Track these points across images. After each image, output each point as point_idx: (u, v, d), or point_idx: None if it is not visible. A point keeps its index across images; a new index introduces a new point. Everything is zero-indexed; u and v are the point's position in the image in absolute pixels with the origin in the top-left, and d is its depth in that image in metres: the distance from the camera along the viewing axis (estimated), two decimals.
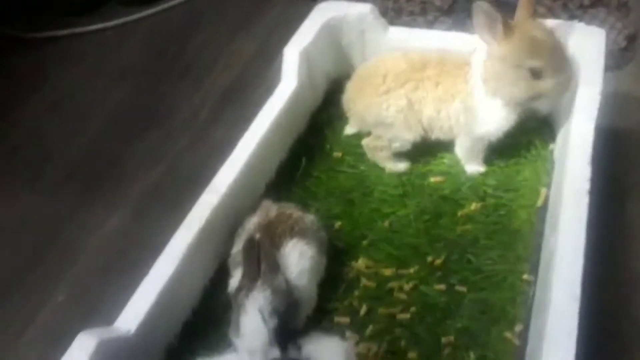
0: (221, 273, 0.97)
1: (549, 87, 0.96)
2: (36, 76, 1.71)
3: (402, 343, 0.88)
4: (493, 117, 1.03)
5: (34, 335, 1.11)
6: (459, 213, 1.04)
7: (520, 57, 0.95)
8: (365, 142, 1.14)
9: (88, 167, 1.42)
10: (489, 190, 1.07)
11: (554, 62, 0.95)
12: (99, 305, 1.13)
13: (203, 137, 1.47)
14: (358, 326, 0.90)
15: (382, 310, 0.92)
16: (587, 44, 1.04)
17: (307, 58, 1.16)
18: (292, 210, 0.97)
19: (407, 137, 1.08)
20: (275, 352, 0.72)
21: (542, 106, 0.99)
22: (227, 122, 1.49)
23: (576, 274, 0.75)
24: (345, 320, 0.92)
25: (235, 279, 0.90)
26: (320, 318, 0.92)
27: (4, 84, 1.68)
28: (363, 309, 0.93)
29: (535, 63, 0.94)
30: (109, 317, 0.83)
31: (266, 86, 1.56)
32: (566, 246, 0.78)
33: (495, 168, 1.10)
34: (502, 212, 1.03)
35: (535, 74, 0.95)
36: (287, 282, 0.85)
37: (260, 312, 0.75)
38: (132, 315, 0.79)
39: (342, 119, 1.25)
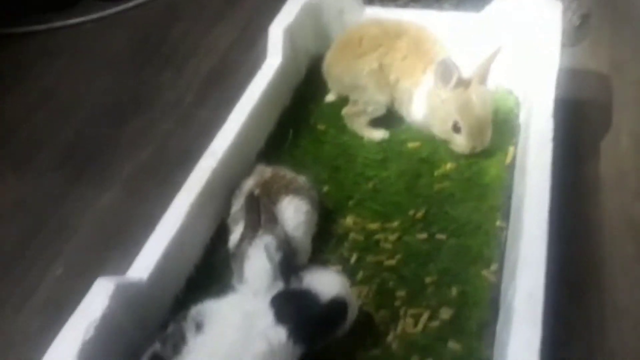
0: (220, 233, 1.04)
1: (461, 142, 1.12)
2: (17, 69, 1.74)
3: (390, 284, 0.96)
4: (420, 116, 1.17)
5: (34, 308, 1.15)
6: (436, 173, 1.14)
7: (452, 108, 1.09)
8: (344, 110, 1.23)
9: (78, 151, 1.46)
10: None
11: (474, 128, 1.11)
12: (95, 276, 1.18)
13: (189, 119, 1.53)
14: (349, 273, 0.98)
15: (370, 258, 1.00)
16: (544, 14, 1.14)
17: (290, 36, 1.24)
18: (285, 171, 1.05)
19: (379, 98, 1.19)
20: (280, 284, 0.79)
21: (451, 147, 1.15)
22: (211, 105, 1.56)
23: (544, 208, 0.85)
24: (337, 268, 0.99)
25: (235, 235, 0.97)
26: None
27: None
28: (353, 258, 1.01)
29: (459, 119, 1.10)
30: None
31: (247, 70, 1.63)
32: (534, 185, 0.88)
33: None
34: (474, 170, 1.13)
35: (455, 128, 1.11)
36: (285, 232, 0.92)
37: (267, 248, 0.82)
38: (143, 265, 0.85)
39: (324, 93, 1.34)
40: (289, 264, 0.81)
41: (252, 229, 0.90)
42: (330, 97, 1.29)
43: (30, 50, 1.82)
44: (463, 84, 1.08)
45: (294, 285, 0.80)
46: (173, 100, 1.59)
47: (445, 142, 1.17)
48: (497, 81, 1.25)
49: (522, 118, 1.20)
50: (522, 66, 1.19)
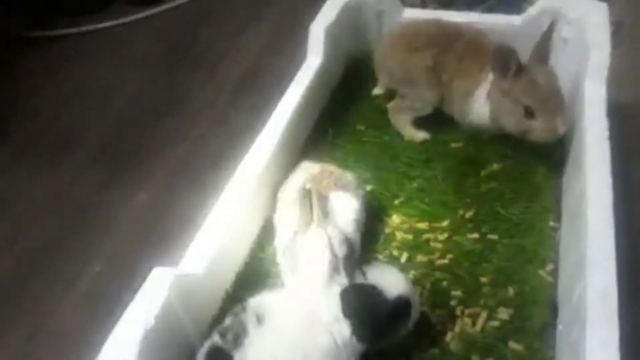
0: (265, 230, 1.02)
1: (540, 127, 1.04)
2: (48, 70, 1.75)
3: (444, 284, 0.94)
4: (485, 116, 1.11)
5: (73, 303, 1.13)
6: (482, 173, 1.12)
7: (519, 94, 1.04)
8: (390, 104, 1.22)
9: (111, 150, 1.46)
10: (509, 152, 1.14)
11: (548, 106, 1.03)
12: (135, 273, 1.15)
13: (222, 121, 1.52)
14: (397, 269, 0.95)
15: (421, 258, 0.98)
16: (591, 14, 1.13)
17: (330, 35, 1.23)
18: (332, 167, 1.03)
19: (428, 97, 1.16)
20: (343, 280, 0.77)
21: (533, 139, 1.07)
22: (244, 107, 1.56)
23: (608, 205, 0.83)
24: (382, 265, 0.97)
25: (283, 231, 0.95)
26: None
27: (17, 78, 1.71)
28: (403, 257, 0.99)
29: (530, 102, 1.03)
30: None
31: (279, 73, 1.63)
32: (596, 183, 0.86)
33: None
34: (522, 170, 1.11)
35: (529, 113, 1.04)
36: (337, 228, 0.90)
37: (330, 241, 0.80)
38: (196, 257, 0.83)
39: (361, 94, 1.32)
40: (352, 259, 0.79)
41: (305, 224, 0.88)
42: (377, 90, 1.27)
43: (61, 53, 1.82)
44: (523, 69, 1.03)
45: (359, 281, 0.77)
46: (206, 101, 1.59)
47: (488, 144, 1.15)
48: None
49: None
50: (569, 67, 1.17)
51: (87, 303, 1.12)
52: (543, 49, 1.06)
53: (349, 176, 1.03)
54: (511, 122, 1.06)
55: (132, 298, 0.76)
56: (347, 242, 0.81)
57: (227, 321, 0.76)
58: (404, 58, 1.17)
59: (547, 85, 1.04)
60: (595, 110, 1.00)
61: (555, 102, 1.04)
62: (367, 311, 0.74)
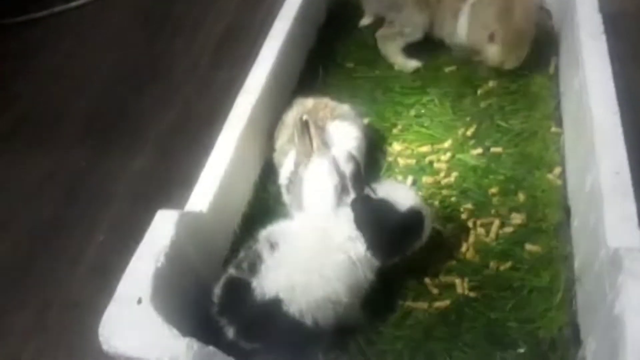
0: (266, 171, 1.00)
1: (493, 53, 1.06)
2: (24, 53, 1.70)
3: (453, 200, 0.93)
4: (464, 31, 1.11)
5: (82, 274, 1.11)
6: (479, 91, 1.10)
7: (492, 15, 1.04)
8: (379, 32, 1.19)
9: (100, 121, 1.42)
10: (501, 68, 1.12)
11: (511, 40, 1.04)
12: (140, 238, 1.14)
13: (207, 81, 1.49)
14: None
15: (426, 179, 0.97)
16: None
17: None
18: (326, 100, 1.01)
19: (417, 19, 1.14)
20: (352, 196, 0.76)
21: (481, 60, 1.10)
22: (228, 65, 1.52)
23: (610, 92, 0.81)
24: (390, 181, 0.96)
25: (285, 167, 0.93)
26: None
27: None
28: (408, 180, 0.97)
29: (497, 29, 1.04)
30: None
31: (257, 29, 1.60)
32: (595, 73, 0.85)
33: None
34: (519, 83, 1.10)
35: (491, 37, 1.05)
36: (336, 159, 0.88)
37: (335, 161, 0.78)
38: (200, 198, 0.81)
39: (347, 33, 1.29)
40: (360, 176, 0.77)
41: (306, 155, 0.86)
42: (365, 21, 1.24)
43: (35, 36, 1.77)
44: None
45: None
46: (189, 65, 1.55)
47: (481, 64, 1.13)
48: None
49: (557, 28, 1.17)
50: None
51: (95, 273, 1.11)
52: None
53: (345, 107, 1.01)
54: (473, 37, 1.08)
55: None
56: (353, 158, 0.79)
57: (241, 254, 0.75)
58: None
59: (520, 17, 1.03)
60: (587, 9, 0.98)
61: (518, 38, 1.05)
62: (380, 223, 0.73)
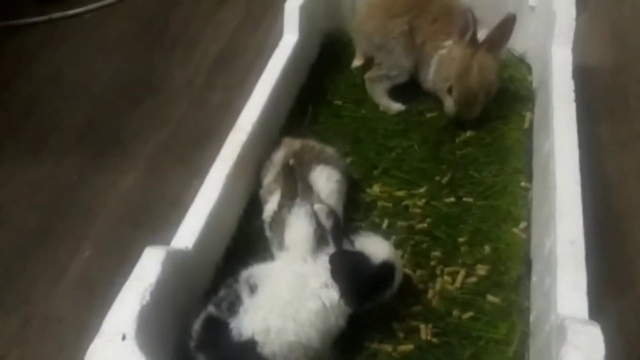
0: (252, 205, 1.05)
1: (449, 106, 1.16)
2: (20, 59, 1.73)
3: (424, 246, 0.99)
4: (432, 75, 1.20)
5: (66, 288, 1.15)
6: (457, 140, 1.17)
7: (452, 72, 1.12)
8: (367, 75, 1.26)
9: (92, 133, 1.46)
10: (481, 118, 1.19)
11: (464, 98, 1.13)
12: (127, 255, 1.16)
13: (201, 101, 1.53)
14: (382, 237, 1.00)
15: (401, 223, 1.03)
16: None
17: (305, 12, 1.25)
18: (313, 142, 1.07)
19: (404, 63, 1.21)
20: (332, 250, 0.81)
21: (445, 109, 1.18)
22: (222, 87, 1.57)
23: (575, 162, 0.88)
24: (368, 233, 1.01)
25: (270, 205, 0.99)
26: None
27: None
28: (385, 224, 1.03)
29: (453, 85, 1.13)
30: None
31: (254, 52, 1.66)
32: (563, 142, 0.91)
33: None
34: (494, 135, 1.16)
35: (449, 90, 1.14)
36: (320, 200, 0.94)
37: (316, 213, 0.84)
38: (187, 234, 0.86)
39: (338, 70, 1.35)
40: (339, 229, 0.83)
41: (290, 198, 0.91)
42: (356, 62, 1.30)
43: (32, 41, 1.80)
44: (474, 45, 1.10)
45: (347, 248, 0.81)
46: (183, 83, 1.59)
47: None
48: (508, 49, 1.28)
49: (535, 84, 1.24)
50: (537, 34, 1.21)
51: (80, 287, 1.14)
52: (498, 36, 1.11)
53: (329, 150, 1.06)
54: (437, 85, 1.17)
55: (123, 280, 0.78)
56: (333, 214, 0.85)
57: (221, 292, 0.80)
58: (381, 24, 1.20)
59: (476, 77, 1.11)
60: (561, 73, 1.05)
61: (471, 97, 1.13)
62: (355, 275, 0.78)
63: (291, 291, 0.77)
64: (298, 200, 0.90)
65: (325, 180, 0.99)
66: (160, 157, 1.38)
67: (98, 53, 1.72)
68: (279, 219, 0.92)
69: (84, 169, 1.36)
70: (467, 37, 1.08)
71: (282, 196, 0.93)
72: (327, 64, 1.36)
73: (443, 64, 1.13)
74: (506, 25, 1.10)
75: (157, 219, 1.23)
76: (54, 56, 1.73)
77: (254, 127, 1.05)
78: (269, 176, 1.03)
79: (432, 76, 1.19)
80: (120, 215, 1.26)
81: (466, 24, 1.08)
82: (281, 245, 0.90)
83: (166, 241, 0.87)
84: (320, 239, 0.83)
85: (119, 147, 1.41)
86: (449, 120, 1.19)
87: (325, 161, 1.02)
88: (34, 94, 1.59)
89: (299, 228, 0.86)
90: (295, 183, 0.92)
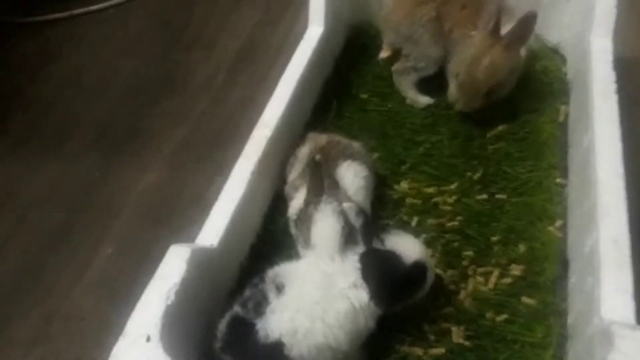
0: (277, 202, 1.03)
1: (451, 91, 1.13)
2: (42, 56, 1.73)
3: (455, 245, 0.95)
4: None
5: (88, 286, 1.14)
6: (489, 134, 1.12)
7: (464, 61, 1.08)
8: (394, 66, 1.22)
9: (112, 131, 1.45)
10: (514, 112, 1.14)
11: (465, 89, 1.09)
12: (149, 254, 1.16)
13: (222, 98, 1.52)
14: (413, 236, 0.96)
15: (431, 221, 0.99)
16: None
17: (331, 3, 1.21)
18: (339, 137, 1.03)
19: (432, 53, 1.17)
20: (362, 249, 0.78)
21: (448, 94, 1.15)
22: (243, 83, 1.55)
23: (617, 157, 0.83)
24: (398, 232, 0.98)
25: (295, 202, 0.96)
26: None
27: (11, 66, 1.69)
28: (414, 221, 1.00)
29: (460, 72, 1.09)
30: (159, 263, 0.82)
31: (275, 48, 1.63)
32: (604, 136, 0.87)
33: (517, 92, 1.17)
34: (528, 129, 1.11)
35: (457, 77, 1.10)
36: (347, 197, 0.91)
37: (347, 212, 0.80)
38: (212, 232, 0.84)
39: (363, 63, 1.32)
40: (369, 227, 0.79)
41: (316, 194, 0.88)
42: (383, 54, 1.25)
43: (54, 37, 1.80)
44: (495, 37, 1.05)
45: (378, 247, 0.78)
46: (204, 80, 1.58)
47: (496, 104, 1.15)
48: (541, 39, 1.23)
49: (570, 76, 1.19)
50: (574, 24, 1.16)
51: (101, 286, 1.14)
52: (519, 34, 1.06)
53: (356, 145, 1.03)
54: (451, 68, 1.13)
55: (145, 279, 0.76)
56: (362, 212, 0.82)
57: (247, 292, 0.77)
58: (409, 12, 1.16)
59: (485, 72, 1.06)
60: (601, 64, 1.00)
61: (472, 89, 1.08)
62: (386, 275, 0.75)
63: (319, 291, 0.74)
64: (325, 197, 0.87)
65: (352, 176, 0.96)
66: (181, 155, 1.36)
67: (118, 50, 1.71)
68: (304, 217, 0.89)
69: (104, 167, 1.35)
70: (490, 27, 1.04)
71: (308, 193, 0.90)
72: (352, 57, 1.33)
73: (463, 49, 1.10)
74: (527, 23, 1.05)
75: (179, 217, 1.21)
76: (74, 54, 1.72)
77: (278, 123, 1.02)
78: (294, 172, 1.00)
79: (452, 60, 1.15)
80: (142, 213, 1.25)
81: (490, 14, 1.04)
82: (307, 243, 0.87)
83: (188, 239, 0.85)
84: (348, 238, 0.80)
85: (139, 144, 1.40)
86: (480, 113, 1.15)
87: (352, 157, 0.99)
88: (55, 91, 1.58)
89: (325, 226, 0.83)
90: (321, 179, 0.89)
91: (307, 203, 0.90)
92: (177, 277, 0.74)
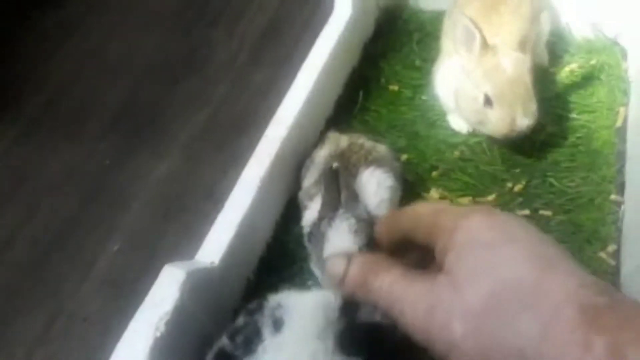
0: (290, 208, 0.93)
1: (495, 117, 0.91)
2: (61, 31, 1.65)
3: None
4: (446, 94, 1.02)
5: (93, 284, 1.08)
6: (536, 138, 0.99)
7: (480, 78, 0.91)
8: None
9: (129, 115, 1.38)
10: (564, 114, 1.01)
11: (509, 95, 0.90)
12: (156, 251, 1.11)
13: (244, 80, 1.42)
14: None
15: None
16: None
17: None
18: (362, 139, 0.92)
19: None
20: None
21: (489, 132, 0.95)
22: (266, 64, 1.45)
23: None
24: None
25: (310, 212, 0.86)
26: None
27: (29, 42, 1.62)
28: None
29: (489, 89, 0.90)
30: (167, 262, 0.74)
31: (301, 28, 1.51)
32: None
33: (568, 90, 1.04)
34: (580, 135, 0.98)
35: (487, 101, 0.91)
36: (368, 212, 0.80)
37: (352, 231, 0.70)
38: (214, 247, 0.75)
39: (394, 50, 1.19)
40: None
41: (332, 208, 0.78)
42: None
43: (74, 11, 1.72)
44: (487, 48, 0.91)
45: None
46: (226, 59, 1.48)
47: (544, 103, 1.01)
48: (597, 31, 1.09)
49: (632, 73, 1.04)
50: (634, 10, 1.01)
51: (106, 285, 1.08)
52: (521, 35, 0.92)
53: (382, 148, 0.92)
54: (469, 110, 0.95)
55: (149, 280, 0.68)
56: (369, 234, 0.71)
57: (240, 320, 0.67)
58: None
59: (512, 69, 0.90)
60: None
61: (517, 91, 0.90)
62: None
63: (322, 339, 0.63)
64: (341, 211, 0.77)
65: (375, 187, 0.86)
66: (197, 142, 1.28)
67: (139, 26, 1.62)
68: (318, 233, 0.79)
69: (118, 154, 1.28)
70: (476, 46, 0.92)
71: (323, 206, 0.80)
72: (383, 42, 1.20)
73: (462, 83, 0.98)
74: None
75: (190, 212, 1.14)
76: (95, 29, 1.64)
77: (296, 119, 0.92)
78: (309, 177, 0.90)
79: (450, 94, 1.02)
80: (152, 206, 1.17)
81: (469, 35, 0.91)
82: (320, 262, 0.77)
83: (196, 238, 0.78)
84: None
85: (155, 129, 1.32)
86: None
87: (376, 163, 0.88)
88: (73, 69, 1.51)
89: (339, 246, 0.73)
90: (338, 191, 0.79)
91: (321, 217, 0.79)
92: (169, 305, 0.66)
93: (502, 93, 0.90)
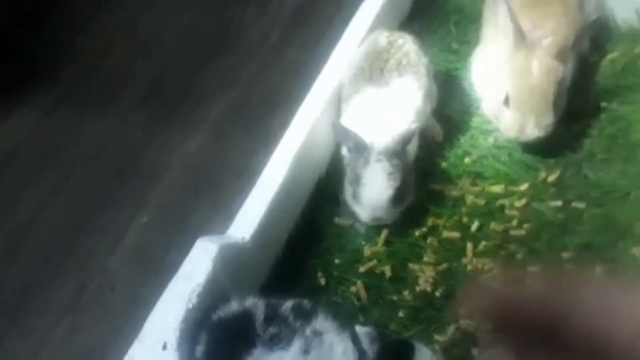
0: (322, 185, 0.94)
1: (506, 119, 0.91)
2: (96, 5, 1.66)
3: (518, 257, 0.83)
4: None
5: (121, 257, 1.10)
6: (572, 127, 0.97)
7: (505, 76, 0.91)
8: None
9: (161, 91, 1.38)
10: (603, 104, 0.99)
11: (525, 102, 0.89)
12: (185, 226, 1.12)
13: (275, 59, 1.41)
14: (469, 242, 0.85)
15: (494, 226, 0.87)
16: None
17: None
18: (403, 39, 0.96)
19: None
20: None
21: (501, 129, 0.94)
22: (298, 43, 1.44)
23: None
24: (455, 235, 0.87)
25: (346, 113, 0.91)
26: (428, 234, 0.89)
27: (64, 15, 1.63)
28: (474, 225, 0.88)
29: (510, 90, 0.89)
30: (195, 237, 0.76)
31: (335, 6, 1.50)
32: None
33: (609, 80, 1.01)
34: (619, 125, 0.96)
35: (506, 100, 0.90)
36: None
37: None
38: (246, 223, 0.76)
39: (431, 26, 1.18)
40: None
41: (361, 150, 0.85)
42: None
43: None
44: (527, 46, 0.89)
45: None
46: (258, 38, 1.47)
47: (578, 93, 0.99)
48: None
49: None
50: None
51: (135, 257, 1.09)
52: (567, 40, 0.90)
53: (415, 56, 0.94)
54: (490, 100, 0.95)
55: (178, 254, 0.70)
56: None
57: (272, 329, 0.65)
58: None
59: (537, 76, 0.88)
60: None
61: (534, 99, 0.88)
62: None
63: None
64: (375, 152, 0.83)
65: (404, 97, 0.91)
66: (228, 120, 1.28)
67: (172, 3, 1.62)
68: (352, 173, 0.85)
69: (149, 128, 1.29)
70: (511, 38, 0.92)
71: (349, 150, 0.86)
72: (418, 25, 1.18)
73: (492, 72, 0.99)
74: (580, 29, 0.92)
75: (219, 189, 1.14)
76: (127, 5, 1.64)
77: (330, 98, 0.92)
78: (348, 83, 0.94)
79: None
80: (182, 182, 1.18)
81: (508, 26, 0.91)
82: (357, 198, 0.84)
83: (224, 216, 0.80)
84: None
85: (187, 106, 1.33)
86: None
87: (411, 68, 0.92)
88: (106, 43, 1.52)
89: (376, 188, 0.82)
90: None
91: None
92: (202, 277, 0.67)
93: (519, 98, 0.89)
